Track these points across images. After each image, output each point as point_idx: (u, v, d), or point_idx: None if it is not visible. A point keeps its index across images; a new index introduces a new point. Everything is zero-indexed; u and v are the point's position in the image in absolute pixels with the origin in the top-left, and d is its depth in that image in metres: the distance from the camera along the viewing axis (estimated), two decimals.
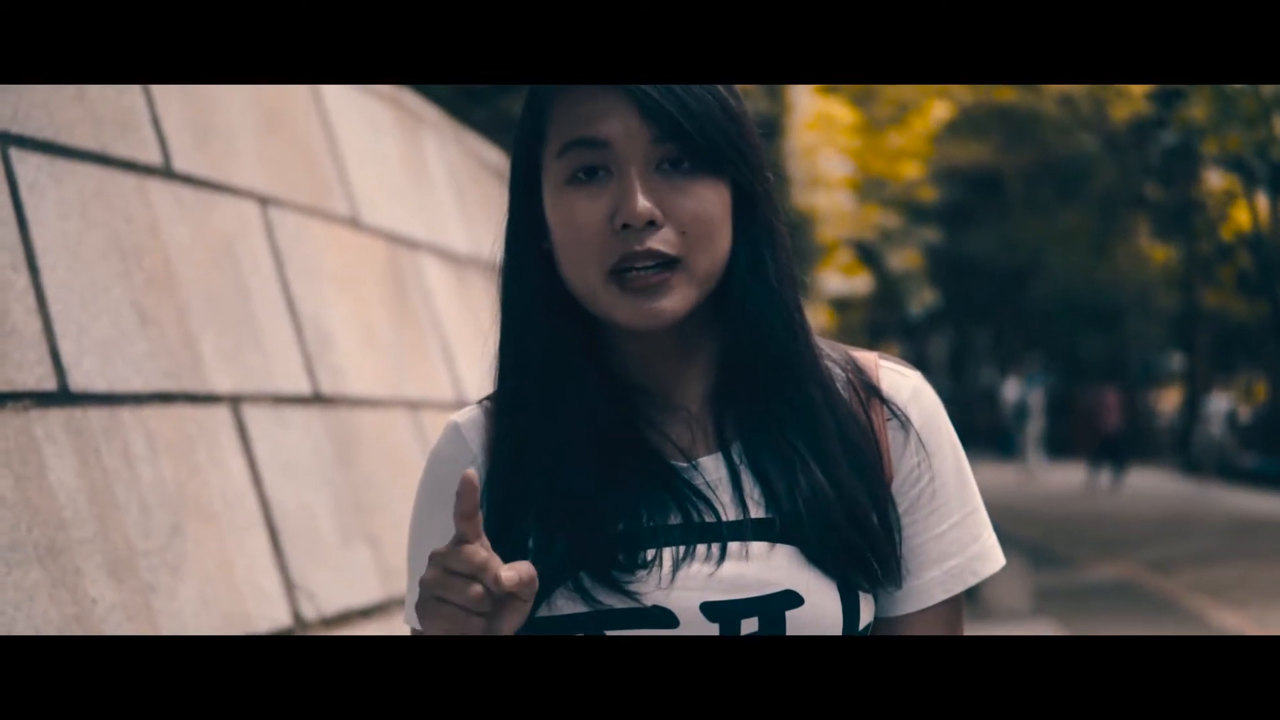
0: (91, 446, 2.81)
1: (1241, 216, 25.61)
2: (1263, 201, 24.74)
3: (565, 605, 1.56)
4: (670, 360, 1.63)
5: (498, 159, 7.10)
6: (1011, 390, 36.06)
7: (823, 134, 23.11)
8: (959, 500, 1.65)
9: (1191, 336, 29.96)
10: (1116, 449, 27.06)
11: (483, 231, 6.41)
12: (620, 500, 1.58)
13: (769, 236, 1.62)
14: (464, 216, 6.20)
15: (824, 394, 1.62)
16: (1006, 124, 30.23)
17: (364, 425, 4.23)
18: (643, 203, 1.52)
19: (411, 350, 4.91)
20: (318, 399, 3.96)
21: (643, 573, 1.55)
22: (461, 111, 7.40)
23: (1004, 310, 39.73)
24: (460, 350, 5.42)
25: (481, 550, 1.43)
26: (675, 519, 1.57)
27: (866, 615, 1.59)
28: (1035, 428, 30.90)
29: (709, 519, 1.57)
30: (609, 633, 1.55)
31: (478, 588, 1.42)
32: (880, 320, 46.30)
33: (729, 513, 1.58)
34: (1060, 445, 33.97)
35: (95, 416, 2.86)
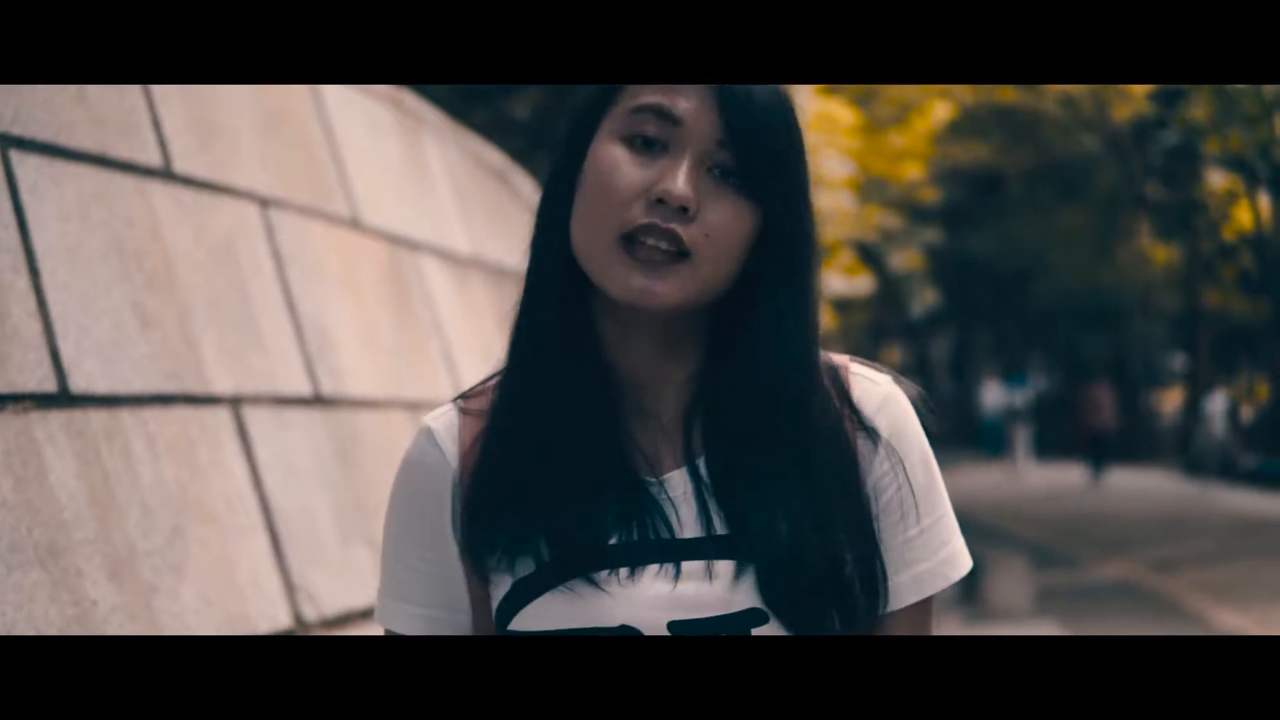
0: (92, 448, 2.81)
1: (1243, 216, 25.62)
2: (1264, 201, 24.74)
3: (534, 621, 1.56)
4: (647, 356, 1.62)
5: (498, 160, 7.09)
6: (990, 393, 36.30)
7: (824, 134, 23.08)
8: (928, 505, 1.64)
9: (1193, 336, 29.94)
10: (1104, 446, 27.14)
11: (483, 233, 6.41)
12: (588, 514, 1.57)
13: (793, 276, 1.60)
14: (465, 218, 6.20)
15: (817, 419, 1.61)
16: (1008, 124, 30.20)
17: (365, 427, 4.23)
18: (686, 186, 1.52)
19: (412, 352, 4.91)
20: (318, 400, 3.96)
21: (607, 589, 1.54)
22: (462, 113, 7.40)
23: (1006, 310, 39.70)
24: (461, 352, 5.41)
25: None
26: (641, 535, 1.57)
27: (834, 629, 1.57)
28: (1024, 429, 31.05)
29: (675, 535, 1.56)
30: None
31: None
32: (882, 321, 46.29)
33: (691, 529, 1.57)
34: (1058, 444, 34.03)
35: (96, 418, 2.86)
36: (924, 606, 1.65)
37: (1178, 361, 32.59)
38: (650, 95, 1.55)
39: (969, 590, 10.85)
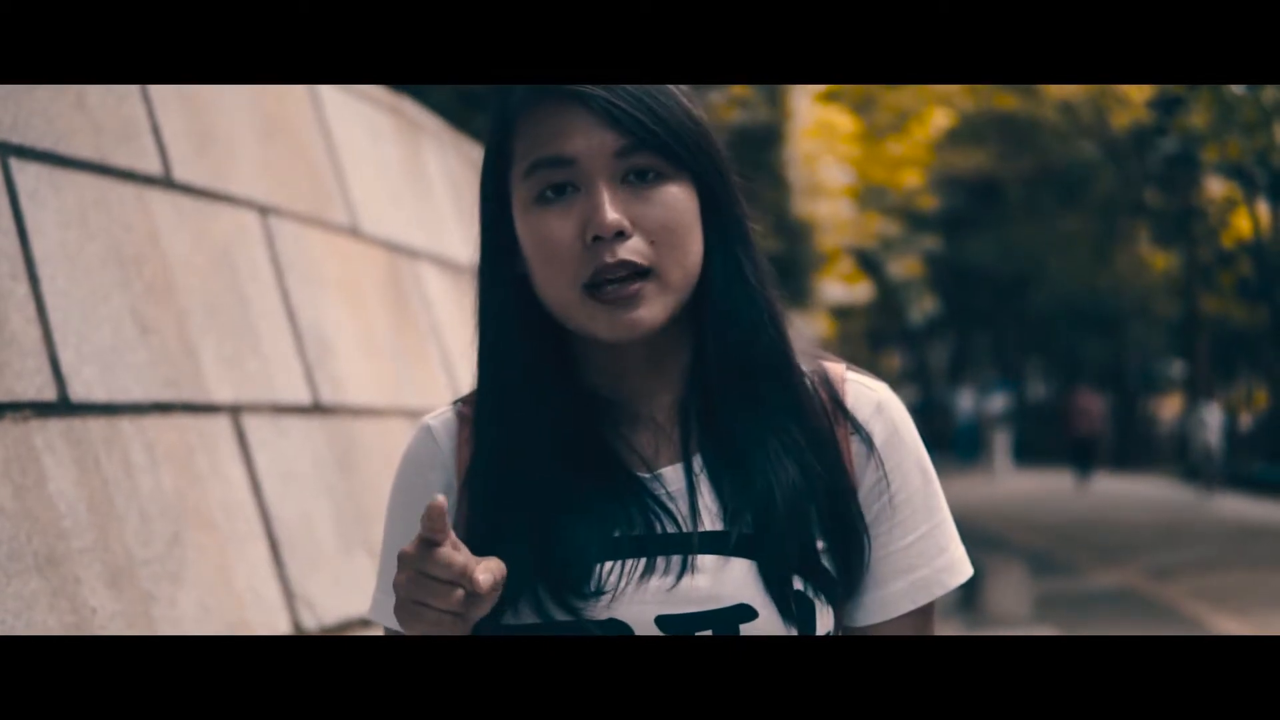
0: (91, 456, 2.81)
1: (1242, 223, 25.64)
2: (1263, 208, 24.77)
3: (528, 615, 1.57)
4: (640, 370, 1.63)
5: None
6: (966, 400, 36.72)
7: (823, 142, 23.11)
8: (925, 512, 1.64)
9: (1192, 343, 29.95)
10: (1091, 451, 27.20)
11: None
12: (583, 511, 1.58)
13: (741, 236, 1.63)
14: (463, 225, 6.20)
15: (798, 394, 1.62)
16: (1007, 131, 30.24)
17: (364, 434, 4.23)
18: (611, 214, 1.53)
19: (411, 359, 4.91)
20: (317, 408, 3.96)
21: (598, 586, 1.55)
22: (461, 119, 7.41)
23: (1004, 317, 39.74)
24: (460, 358, 5.41)
25: (458, 555, 1.43)
26: (636, 530, 1.57)
27: (824, 626, 1.58)
28: (1003, 436, 31.29)
29: (670, 530, 1.57)
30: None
31: (459, 593, 1.43)
32: (881, 328, 46.30)
33: (685, 524, 1.58)
34: (1052, 450, 34.15)
35: (95, 426, 2.86)
36: (923, 614, 1.65)
37: (1176, 368, 32.60)
38: (536, 151, 1.56)
39: (968, 598, 10.86)
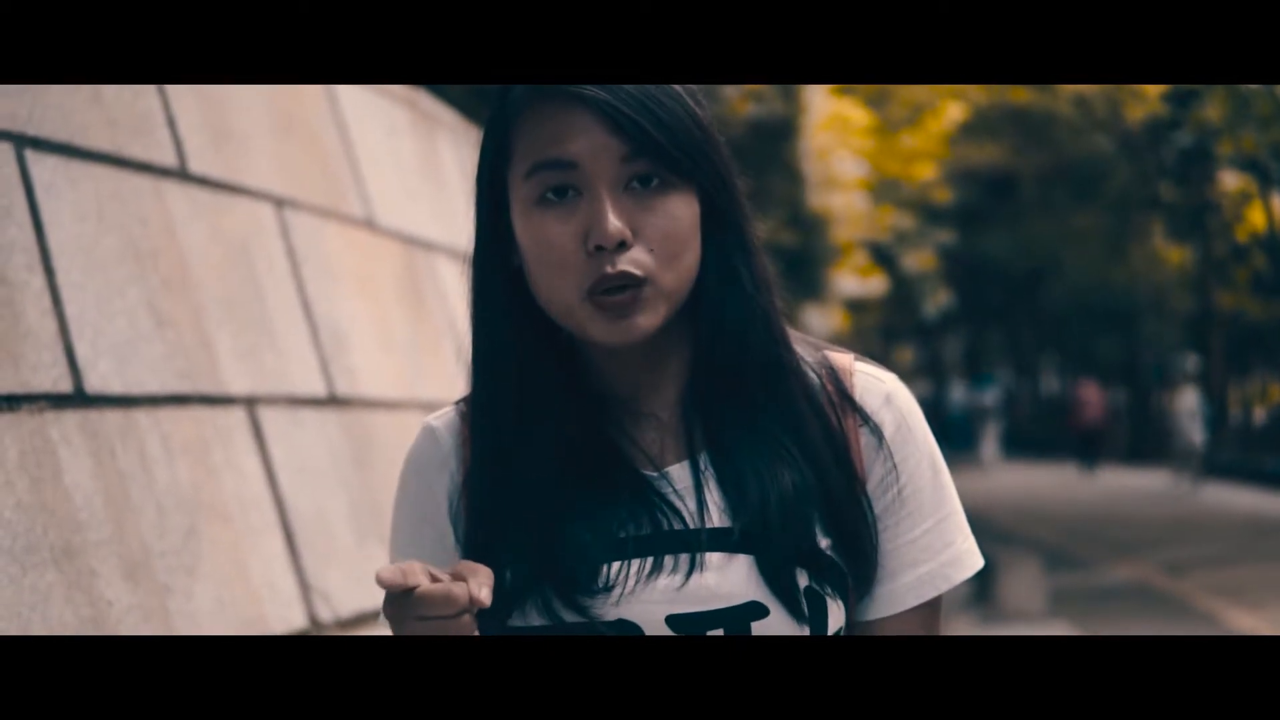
0: (107, 448, 2.81)
1: (1257, 218, 25.55)
2: (1278, 203, 24.67)
3: (536, 617, 1.56)
4: (641, 369, 1.62)
5: None
6: (957, 392, 37.42)
7: (837, 135, 23.10)
8: (933, 505, 1.63)
9: (1206, 338, 29.87)
10: (1095, 442, 27.17)
11: None
12: (589, 511, 1.57)
13: (740, 242, 1.61)
14: None
15: (800, 398, 1.61)
16: (1021, 125, 30.16)
17: (379, 427, 4.23)
18: (614, 224, 1.51)
19: (426, 352, 4.91)
20: (333, 400, 3.96)
21: (606, 586, 1.54)
22: (476, 113, 7.40)
23: (1019, 311, 39.67)
24: None
25: (437, 587, 1.41)
26: (644, 529, 1.57)
27: (835, 622, 1.57)
28: (993, 428, 31.71)
29: (676, 527, 1.56)
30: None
31: (465, 619, 1.42)
32: (895, 321, 46.28)
33: (693, 522, 1.56)
34: (1059, 444, 34.25)
35: (111, 418, 2.86)
36: (930, 608, 1.64)
37: (1191, 363, 32.53)
38: (537, 153, 1.54)
39: (982, 592, 10.84)
